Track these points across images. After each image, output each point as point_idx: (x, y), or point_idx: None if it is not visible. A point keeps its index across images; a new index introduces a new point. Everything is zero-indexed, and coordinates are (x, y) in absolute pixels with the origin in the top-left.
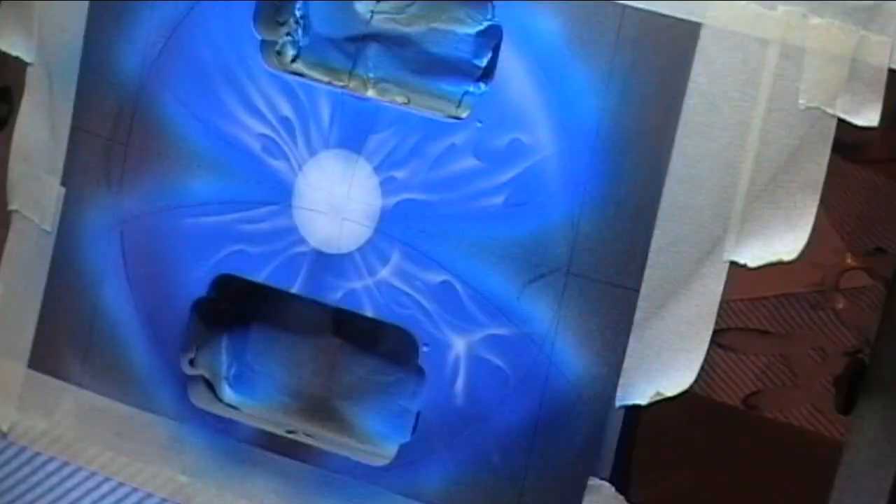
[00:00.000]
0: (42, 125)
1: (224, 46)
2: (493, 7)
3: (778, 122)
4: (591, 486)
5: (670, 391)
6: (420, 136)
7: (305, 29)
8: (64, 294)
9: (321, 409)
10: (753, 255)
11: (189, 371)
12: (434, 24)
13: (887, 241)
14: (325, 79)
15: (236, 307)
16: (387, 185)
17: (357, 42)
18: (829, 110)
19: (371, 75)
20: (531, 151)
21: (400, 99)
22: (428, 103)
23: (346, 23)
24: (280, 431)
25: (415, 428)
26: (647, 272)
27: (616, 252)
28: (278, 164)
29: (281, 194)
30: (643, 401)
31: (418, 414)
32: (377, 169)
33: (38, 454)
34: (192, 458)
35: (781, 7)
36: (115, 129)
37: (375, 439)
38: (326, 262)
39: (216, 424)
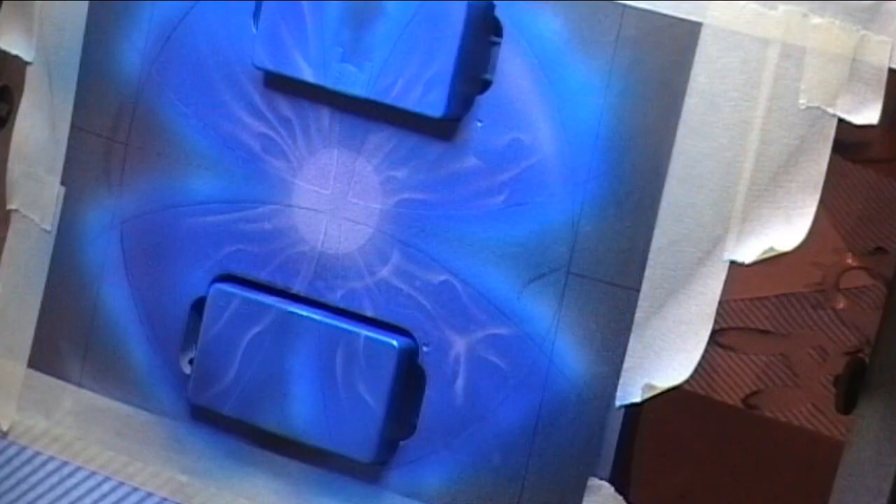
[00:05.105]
0: (42, 124)
1: (224, 46)
2: None
3: (778, 122)
4: (590, 486)
5: (662, 384)
6: (420, 136)
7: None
8: (64, 294)
9: None
10: (753, 253)
11: (189, 371)
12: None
13: (887, 240)
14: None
15: None
16: (387, 185)
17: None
18: (830, 110)
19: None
20: (531, 151)
21: None
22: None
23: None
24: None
25: (415, 428)
26: (647, 272)
27: (616, 252)
28: (278, 164)
29: (281, 194)
30: (638, 397)
31: (419, 414)
32: (377, 168)
33: (37, 454)
34: (192, 458)
35: (781, 7)
36: (115, 129)
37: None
38: (326, 262)
39: (216, 423)
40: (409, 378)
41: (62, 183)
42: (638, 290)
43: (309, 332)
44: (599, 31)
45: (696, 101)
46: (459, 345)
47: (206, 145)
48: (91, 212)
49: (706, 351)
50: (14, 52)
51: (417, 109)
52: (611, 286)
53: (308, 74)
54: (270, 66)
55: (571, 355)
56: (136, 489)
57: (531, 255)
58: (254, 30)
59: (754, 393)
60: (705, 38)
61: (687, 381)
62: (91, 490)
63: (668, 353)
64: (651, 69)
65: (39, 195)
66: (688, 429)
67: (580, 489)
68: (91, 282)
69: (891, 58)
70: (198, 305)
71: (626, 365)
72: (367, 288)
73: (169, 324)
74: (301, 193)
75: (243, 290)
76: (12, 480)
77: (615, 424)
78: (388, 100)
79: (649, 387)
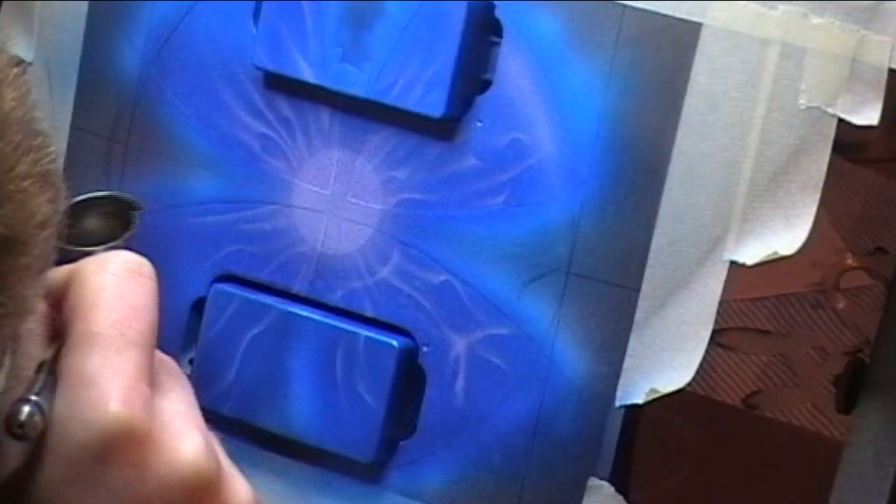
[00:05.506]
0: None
1: (224, 46)
2: None
3: (778, 122)
4: (590, 486)
5: (666, 388)
6: (420, 136)
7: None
8: None
9: None
10: (753, 254)
11: (189, 371)
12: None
13: (887, 240)
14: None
15: None
16: (387, 185)
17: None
18: (830, 110)
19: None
20: (531, 151)
21: None
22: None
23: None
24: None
25: (415, 428)
26: (647, 272)
27: (616, 252)
28: (278, 164)
29: (281, 194)
30: (640, 399)
31: (419, 414)
32: (377, 168)
33: None
34: None
35: (781, 7)
36: (115, 129)
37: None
38: (326, 262)
39: (216, 424)
40: (409, 378)
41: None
42: (638, 290)
43: (309, 333)
44: (599, 31)
45: (696, 101)
46: (459, 345)
47: (206, 145)
48: None
49: (706, 351)
50: (14, 52)
51: (417, 109)
52: (611, 286)
53: (308, 74)
54: (270, 66)
55: (571, 355)
56: None
57: (531, 255)
58: (254, 30)
59: (754, 393)
60: (705, 38)
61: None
62: None
63: (668, 354)
64: (651, 69)
65: None
66: (688, 429)
67: (580, 489)
68: None
69: (891, 58)
70: (198, 305)
71: (626, 365)
72: (367, 288)
73: (169, 324)
74: (301, 194)
75: (243, 290)
76: None
77: (615, 424)
78: (388, 100)
79: (653, 391)
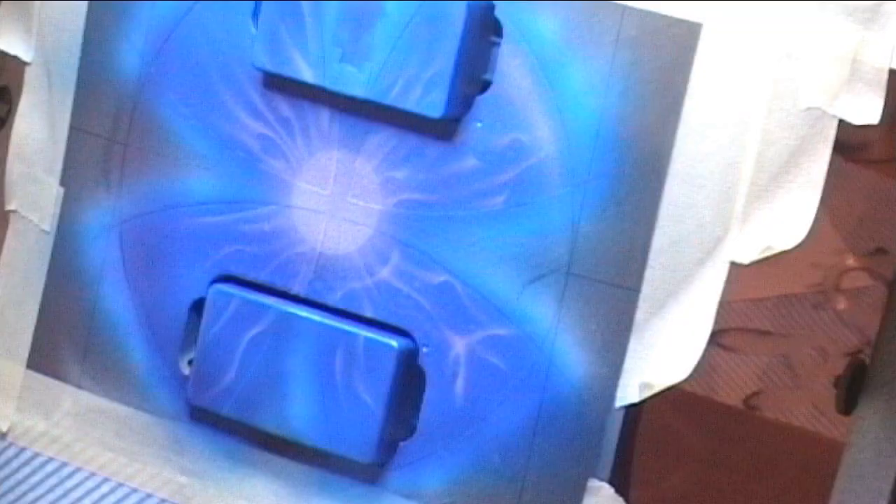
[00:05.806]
0: (41, 125)
1: (223, 46)
2: None
3: (778, 122)
4: (590, 487)
5: (659, 383)
6: (420, 136)
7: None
8: (63, 294)
9: None
10: (753, 254)
11: (188, 372)
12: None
13: (888, 241)
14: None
15: None
16: (387, 185)
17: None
18: (830, 110)
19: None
20: (531, 151)
21: None
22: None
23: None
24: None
25: (414, 428)
26: (647, 272)
27: (616, 252)
28: (278, 164)
29: (281, 194)
30: (636, 397)
31: (418, 415)
32: (377, 169)
33: (37, 454)
34: (191, 458)
35: (782, 7)
36: (115, 129)
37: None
38: (326, 263)
39: (216, 424)
40: (409, 379)
41: (61, 184)
42: (638, 291)
43: (308, 333)
44: (599, 31)
45: (696, 101)
46: (459, 345)
47: (205, 146)
48: (90, 212)
49: (706, 351)
50: (13, 52)
51: (417, 110)
52: (611, 287)
53: (307, 75)
54: (270, 67)
55: (571, 356)
56: (135, 490)
57: (531, 256)
58: (253, 30)
59: (755, 394)
60: (705, 38)
61: (687, 382)
62: (90, 491)
63: (668, 354)
64: (651, 69)
65: (39, 196)
66: (688, 429)
67: (580, 490)
68: (90, 282)
69: (891, 58)
70: (197, 306)
71: (626, 365)
72: (366, 289)
73: (168, 324)
74: (300, 194)
75: (243, 290)
76: (11, 482)
77: (615, 424)
78: (388, 100)
79: (647, 386)
